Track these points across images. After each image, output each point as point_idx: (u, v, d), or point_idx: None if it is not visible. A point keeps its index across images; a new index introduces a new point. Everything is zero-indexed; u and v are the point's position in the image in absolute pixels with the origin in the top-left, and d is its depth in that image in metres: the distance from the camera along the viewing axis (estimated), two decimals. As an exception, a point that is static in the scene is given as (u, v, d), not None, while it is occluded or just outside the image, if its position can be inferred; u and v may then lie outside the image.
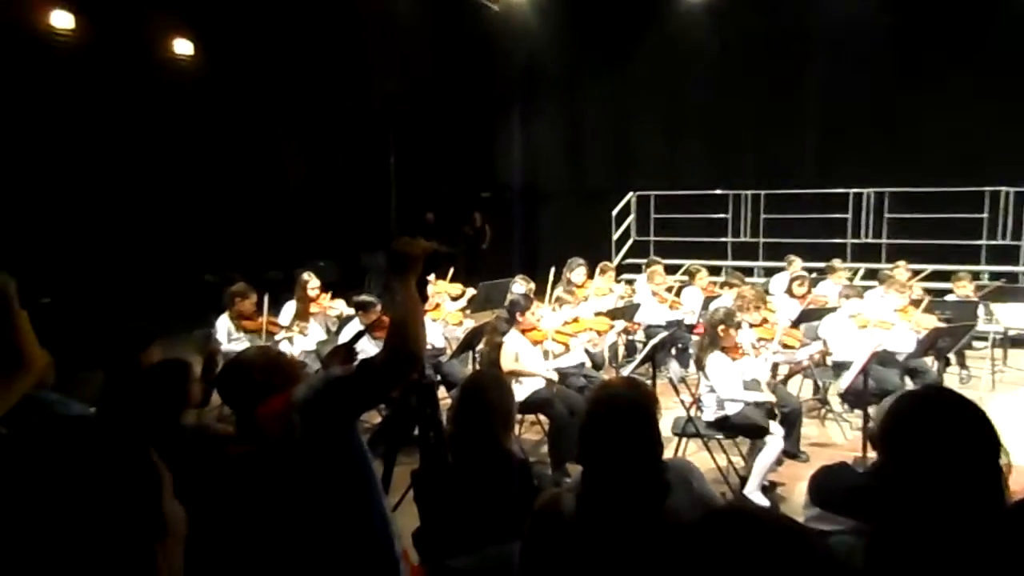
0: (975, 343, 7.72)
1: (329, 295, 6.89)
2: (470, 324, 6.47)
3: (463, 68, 14.27)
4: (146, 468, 1.19)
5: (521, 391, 5.04)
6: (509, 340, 5.30)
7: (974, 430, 1.52)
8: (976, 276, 7.96)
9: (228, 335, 5.97)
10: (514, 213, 15.45)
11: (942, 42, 11.25)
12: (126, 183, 9.80)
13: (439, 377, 5.80)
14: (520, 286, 7.28)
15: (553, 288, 6.52)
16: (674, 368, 5.63)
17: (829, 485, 2.62)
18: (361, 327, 5.45)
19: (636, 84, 13.74)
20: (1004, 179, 10.70)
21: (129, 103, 9.80)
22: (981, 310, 7.36)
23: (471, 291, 7.69)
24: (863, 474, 2.60)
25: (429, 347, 5.66)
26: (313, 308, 6.60)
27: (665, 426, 4.82)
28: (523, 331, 5.41)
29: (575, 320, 6.07)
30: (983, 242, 10.97)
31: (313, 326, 6.44)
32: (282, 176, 12.47)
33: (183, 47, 10.61)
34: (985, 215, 10.96)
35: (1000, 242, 10.92)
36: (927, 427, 1.53)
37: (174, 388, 2.80)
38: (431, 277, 7.02)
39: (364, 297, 6.10)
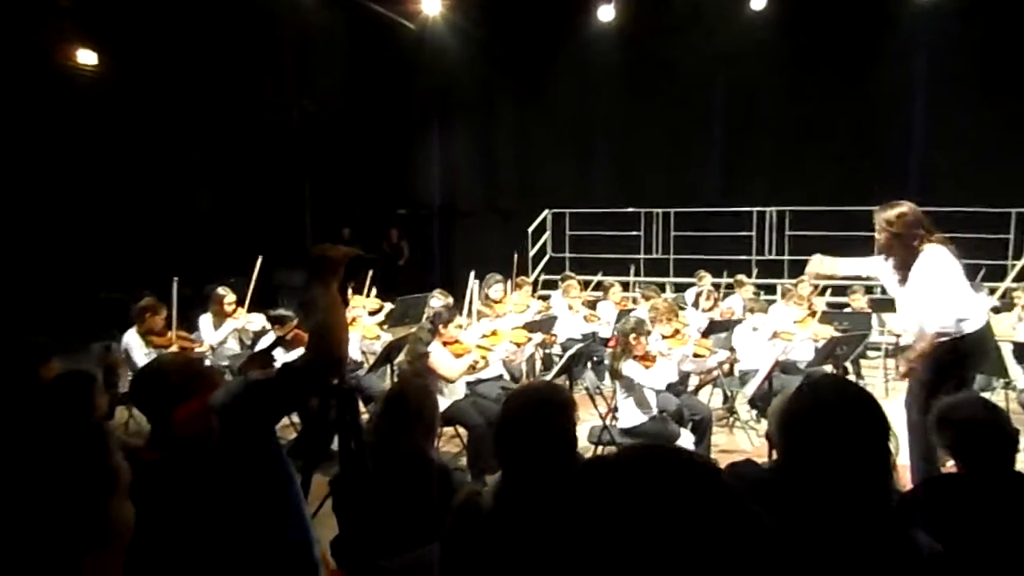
0: (869, 352, 8.17)
1: (245, 309, 6.79)
2: (387, 338, 6.44)
3: (380, 86, 14.24)
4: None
5: (440, 403, 5.04)
6: (433, 351, 5.30)
7: (863, 410, 1.65)
8: (869, 290, 8.44)
9: (140, 350, 5.77)
10: (431, 230, 15.46)
11: (835, 68, 11.96)
12: (23, 196, 9.31)
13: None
14: (438, 300, 7.28)
15: (471, 302, 6.56)
16: (590, 379, 5.75)
17: (734, 481, 2.75)
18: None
19: (550, 104, 14.00)
20: (890, 198, 11.38)
21: (27, 113, 9.32)
22: (875, 321, 7.82)
23: (389, 306, 7.66)
24: (766, 469, 2.75)
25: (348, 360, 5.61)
26: (231, 322, 6.58)
27: (582, 435, 4.93)
28: (444, 343, 5.42)
29: (493, 333, 6.12)
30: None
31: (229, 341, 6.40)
32: (192, 192, 12.09)
33: (86, 57, 10.18)
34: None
35: (891, 258, 11.59)
36: (819, 411, 1.65)
37: (78, 400, 2.70)
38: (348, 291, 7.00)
39: (280, 311, 6.05)
